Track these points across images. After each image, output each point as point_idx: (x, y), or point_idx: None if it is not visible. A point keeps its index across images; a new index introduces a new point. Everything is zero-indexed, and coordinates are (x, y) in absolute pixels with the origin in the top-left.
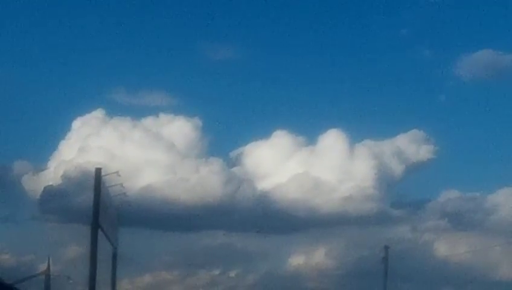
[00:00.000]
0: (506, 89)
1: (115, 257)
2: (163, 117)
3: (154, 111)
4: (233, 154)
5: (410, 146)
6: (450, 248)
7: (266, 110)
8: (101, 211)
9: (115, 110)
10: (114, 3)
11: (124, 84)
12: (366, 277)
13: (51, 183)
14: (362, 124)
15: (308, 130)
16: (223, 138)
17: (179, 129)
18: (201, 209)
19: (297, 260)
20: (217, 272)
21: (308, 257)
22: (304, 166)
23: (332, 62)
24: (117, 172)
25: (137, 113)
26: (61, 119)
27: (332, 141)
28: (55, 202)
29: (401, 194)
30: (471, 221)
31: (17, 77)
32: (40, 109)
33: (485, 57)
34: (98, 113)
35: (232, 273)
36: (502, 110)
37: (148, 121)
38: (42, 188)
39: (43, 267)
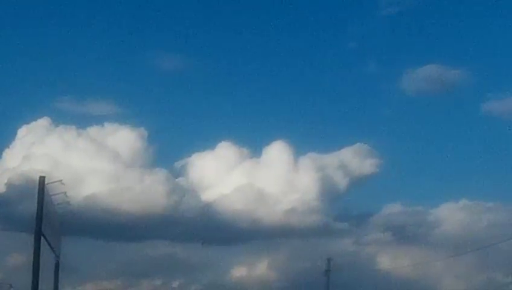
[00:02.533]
0: (450, 103)
1: (57, 266)
2: (109, 126)
3: (99, 120)
4: (178, 164)
5: (355, 159)
6: (393, 261)
7: (211, 122)
8: (44, 220)
9: (60, 118)
10: (62, 12)
11: (70, 92)
12: (309, 289)
13: None
14: (307, 137)
15: (252, 141)
16: (168, 149)
17: (124, 139)
18: (145, 219)
19: (240, 271)
20: (159, 282)
21: (250, 269)
22: (248, 177)
23: (278, 74)
24: (61, 180)
25: (82, 122)
26: (6, 127)
27: (277, 153)
28: None
29: (345, 207)
30: (414, 235)
31: None
32: None
33: (430, 72)
34: (43, 122)
35: (175, 284)
36: (446, 125)
37: (94, 130)
38: None
39: None
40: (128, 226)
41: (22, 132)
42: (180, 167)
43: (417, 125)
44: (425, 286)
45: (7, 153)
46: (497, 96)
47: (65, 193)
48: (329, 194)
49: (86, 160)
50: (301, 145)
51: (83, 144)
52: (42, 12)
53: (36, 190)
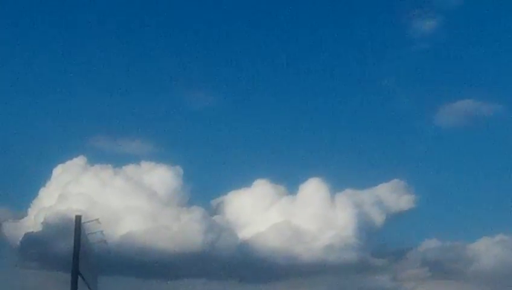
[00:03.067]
0: (485, 138)
1: None
2: (145, 165)
3: (135, 159)
4: (214, 202)
5: (391, 195)
6: None
7: (247, 159)
8: (81, 258)
9: (96, 157)
10: (94, 51)
11: (105, 131)
12: None
13: (31, 230)
14: (343, 173)
15: (288, 179)
16: (204, 187)
17: (160, 177)
18: (182, 257)
19: None
20: None
21: None
22: (285, 215)
23: (314, 111)
24: (97, 219)
25: (118, 160)
26: (42, 166)
27: (313, 189)
28: (35, 249)
29: (382, 243)
30: (452, 270)
31: None
32: (21, 156)
33: (465, 107)
34: (79, 161)
35: None
36: (481, 159)
37: (130, 169)
38: (22, 235)
39: None
40: (165, 265)
41: (58, 170)
42: (217, 204)
43: (453, 160)
44: None
45: (43, 191)
46: None
47: (102, 231)
48: (366, 230)
49: (122, 199)
50: (337, 181)
51: (119, 182)
52: (76, 52)
53: (72, 229)
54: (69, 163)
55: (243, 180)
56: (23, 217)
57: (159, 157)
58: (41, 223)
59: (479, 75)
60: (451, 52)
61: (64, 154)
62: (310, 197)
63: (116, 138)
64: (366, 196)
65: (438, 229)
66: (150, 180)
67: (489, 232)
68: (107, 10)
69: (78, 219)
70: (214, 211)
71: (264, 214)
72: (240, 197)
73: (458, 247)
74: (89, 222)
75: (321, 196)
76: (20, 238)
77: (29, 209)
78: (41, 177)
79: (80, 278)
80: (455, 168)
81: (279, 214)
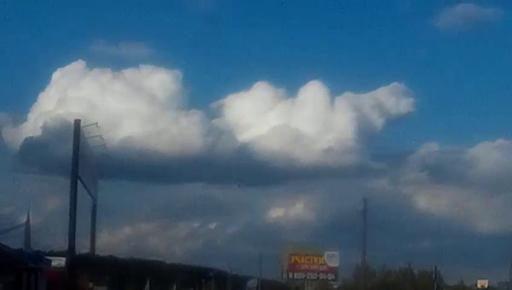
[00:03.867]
0: (486, 42)
1: (94, 208)
2: (144, 69)
3: (135, 62)
4: (213, 105)
5: (391, 99)
6: (430, 201)
7: (247, 62)
8: (81, 163)
9: (95, 61)
10: None
11: (104, 35)
12: (345, 229)
13: (30, 134)
14: (342, 77)
15: (289, 81)
16: (204, 90)
17: (160, 80)
18: (181, 161)
19: (277, 212)
20: (196, 224)
21: (287, 209)
22: (284, 118)
23: (313, 14)
24: (96, 123)
25: (117, 64)
26: (41, 71)
27: (313, 93)
28: (35, 154)
29: (381, 146)
30: (451, 174)
31: None
32: (19, 61)
33: (465, 11)
34: (78, 65)
35: (212, 225)
36: (482, 64)
37: (129, 72)
38: (22, 140)
39: (23, 219)
40: (165, 168)
41: (57, 75)
42: (216, 107)
43: (452, 64)
44: (461, 225)
45: (42, 96)
46: None
47: (101, 135)
48: (366, 134)
49: (121, 102)
50: (337, 84)
51: (119, 86)
52: None
53: (72, 133)
54: (68, 67)
55: (243, 83)
56: (22, 122)
57: (158, 61)
58: (41, 127)
59: None
60: None
61: (63, 58)
62: (310, 100)
63: (115, 41)
64: (366, 99)
65: (437, 134)
66: (149, 83)
67: (489, 137)
68: None
69: (77, 123)
70: (213, 114)
71: (264, 117)
72: (240, 100)
73: (458, 151)
74: (88, 126)
75: (321, 99)
76: (20, 143)
77: (28, 114)
78: (40, 82)
79: (79, 182)
80: (455, 72)
81: (279, 117)
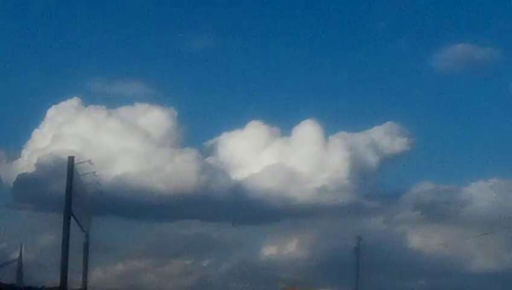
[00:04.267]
0: (482, 83)
1: (86, 245)
2: (139, 106)
3: (130, 100)
4: (207, 144)
5: (385, 138)
6: (424, 240)
7: (241, 101)
8: (74, 199)
9: (90, 98)
10: None
11: (100, 73)
12: (338, 268)
13: (24, 171)
14: (337, 116)
15: (283, 120)
16: (198, 128)
17: (155, 119)
18: (176, 198)
19: (270, 250)
20: (190, 261)
21: (281, 247)
22: (279, 157)
23: (308, 54)
24: (90, 160)
25: (112, 102)
26: (36, 108)
27: (307, 132)
28: (28, 190)
29: (376, 185)
30: (445, 213)
31: None
32: (15, 97)
33: (461, 51)
34: (73, 102)
35: (205, 263)
36: (477, 104)
37: (124, 110)
38: (16, 176)
39: (15, 255)
40: (159, 206)
41: (51, 112)
42: (210, 146)
43: (448, 104)
44: (456, 265)
45: (36, 133)
46: None
47: (94, 172)
48: (360, 173)
49: (116, 140)
50: (331, 124)
51: (113, 124)
52: None
53: (66, 170)
54: (63, 104)
55: (237, 122)
56: (16, 158)
57: (153, 99)
58: (35, 164)
59: (476, 18)
60: None
61: (58, 95)
62: (304, 139)
63: (110, 79)
64: (360, 138)
65: (432, 173)
66: (144, 121)
67: (483, 176)
68: None
69: (71, 159)
70: (207, 152)
71: (258, 155)
72: (234, 138)
73: (452, 190)
74: (82, 163)
75: (315, 138)
76: (14, 179)
77: (22, 151)
78: (35, 119)
79: (72, 219)
80: (450, 112)
81: (273, 155)
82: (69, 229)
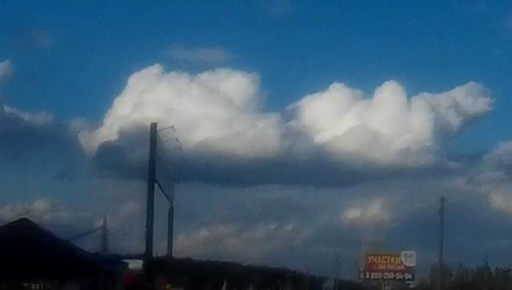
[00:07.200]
0: None
1: (171, 211)
2: (221, 72)
3: (211, 66)
4: (290, 108)
5: (467, 99)
6: (506, 199)
7: (323, 64)
8: (157, 166)
9: (171, 65)
10: None
11: (181, 40)
12: (422, 230)
13: (106, 139)
14: (419, 77)
15: (365, 82)
16: (280, 92)
17: (236, 84)
18: (258, 163)
19: (353, 213)
20: (273, 225)
21: (364, 210)
22: (361, 119)
23: (390, 15)
24: (172, 126)
25: (194, 68)
26: (117, 76)
27: (389, 93)
28: (111, 158)
29: (458, 146)
30: None
31: (73, 34)
32: (96, 66)
33: None
34: (154, 69)
35: (289, 227)
36: None
37: (206, 76)
38: (98, 145)
39: (99, 223)
40: (241, 171)
41: (133, 79)
42: (292, 110)
43: None
44: None
45: (118, 101)
46: None
47: (177, 139)
48: (442, 134)
49: (198, 106)
50: (413, 85)
51: (195, 90)
52: None
53: (148, 137)
54: (144, 72)
55: (319, 85)
56: (98, 127)
57: (234, 64)
58: (117, 132)
59: None
60: None
61: (139, 63)
62: (386, 101)
63: (191, 45)
64: (442, 99)
65: None
66: (226, 87)
67: None
68: None
69: (154, 126)
70: (290, 116)
71: (340, 118)
72: (316, 101)
73: None
74: (164, 129)
75: (397, 100)
76: (96, 148)
77: (104, 119)
78: (116, 87)
79: (156, 185)
80: None
81: (356, 118)
82: (153, 196)
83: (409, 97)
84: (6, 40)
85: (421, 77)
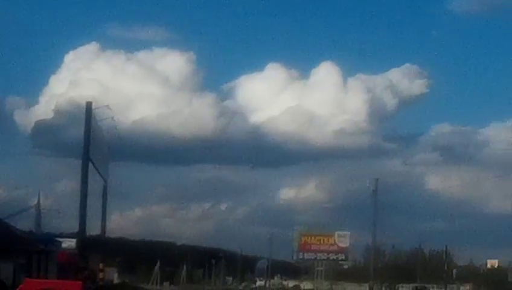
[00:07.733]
0: (499, 23)
1: (105, 190)
2: (157, 51)
3: (148, 45)
4: (226, 87)
5: (403, 80)
6: (441, 181)
7: (260, 43)
8: (92, 145)
9: (108, 43)
10: None
11: (117, 18)
12: (356, 210)
13: (42, 117)
14: (355, 58)
15: (301, 63)
16: (216, 72)
17: (173, 63)
18: (194, 142)
19: (288, 193)
20: (208, 205)
21: (299, 190)
22: (297, 99)
23: None
24: (107, 105)
25: (131, 46)
26: (53, 54)
27: (326, 74)
28: (46, 137)
29: (394, 127)
30: (463, 154)
31: (8, 12)
32: (32, 44)
33: None
34: (91, 47)
35: (223, 206)
36: (495, 45)
37: (142, 55)
38: (33, 123)
39: (34, 201)
40: (177, 150)
41: (69, 57)
42: (228, 89)
43: (466, 46)
44: (473, 206)
45: (54, 79)
46: None
47: (112, 117)
48: (378, 115)
49: (134, 84)
50: (350, 66)
51: (132, 68)
52: None
53: (83, 116)
54: (80, 49)
55: (255, 65)
56: (34, 105)
57: (171, 43)
58: (52, 110)
59: None
60: None
61: (76, 40)
62: (323, 82)
63: (128, 24)
64: (379, 80)
65: (449, 114)
66: (162, 65)
67: (500, 117)
68: None
69: (89, 105)
70: (225, 96)
71: (276, 98)
72: (252, 81)
73: (469, 132)
74: (99, 108)
75: (333, 80)
76: (32, 126)
77: (40, 97)
78: (52, 65)
79: (90, 164)
80: (468, 54)
81: (292, 98)
82: (87, 175)
83: (345, 78)
84: None
85: (358, 58)
